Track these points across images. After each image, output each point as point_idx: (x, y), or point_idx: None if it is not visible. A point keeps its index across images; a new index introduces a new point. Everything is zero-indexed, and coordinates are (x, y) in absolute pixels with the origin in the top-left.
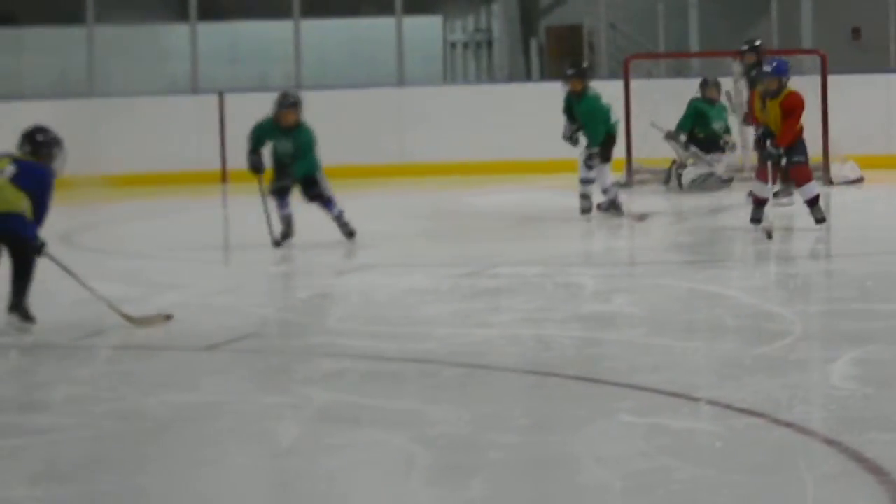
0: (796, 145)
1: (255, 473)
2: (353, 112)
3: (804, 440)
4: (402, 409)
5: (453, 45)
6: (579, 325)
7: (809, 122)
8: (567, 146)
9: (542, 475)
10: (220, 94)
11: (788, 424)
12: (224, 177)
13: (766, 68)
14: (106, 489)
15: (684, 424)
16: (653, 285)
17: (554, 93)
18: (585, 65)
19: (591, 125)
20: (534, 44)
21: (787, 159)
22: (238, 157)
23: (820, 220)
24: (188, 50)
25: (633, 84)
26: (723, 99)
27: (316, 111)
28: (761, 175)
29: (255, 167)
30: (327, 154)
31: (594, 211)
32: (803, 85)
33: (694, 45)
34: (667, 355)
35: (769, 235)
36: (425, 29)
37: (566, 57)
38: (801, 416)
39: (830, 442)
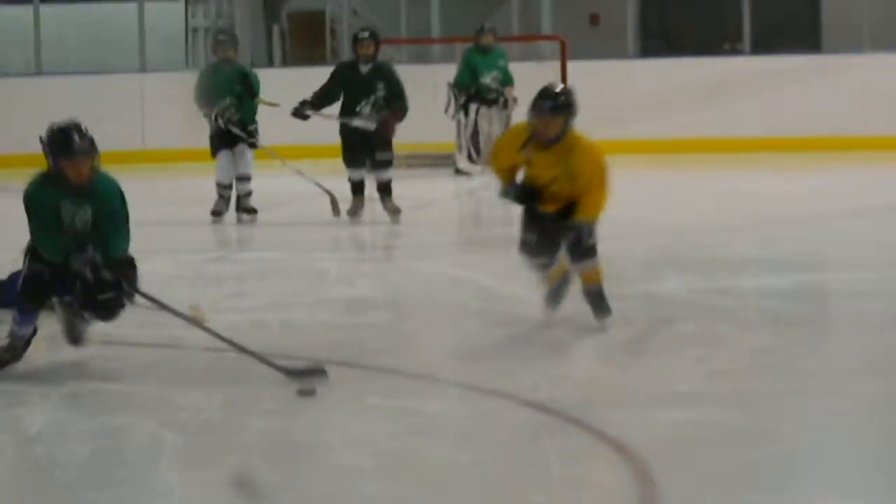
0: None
1: (1, 460)
2: (94, 98)
3: (549, 420)
4: (150, 393)
5: (195, 31)
6: (326, 309)
7: None
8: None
9: (294, 458)
10: None
11: (534, 405)
12: None
13: (546, 103)
14: None
15: (432, 406)
16: (399, 269)
17: (296, 78)
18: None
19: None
20: (276, 29)
21: (581, 242)
22: None
23: (606, 314)
24: None
25: None
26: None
27: (56, 97)
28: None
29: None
30: None
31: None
32: (543, 71)
33: (435, 32)
34: (413, 338)
35: None
36: (167, 14)
37: (308, 43)
38: (547, 396)
39: (575, 421)
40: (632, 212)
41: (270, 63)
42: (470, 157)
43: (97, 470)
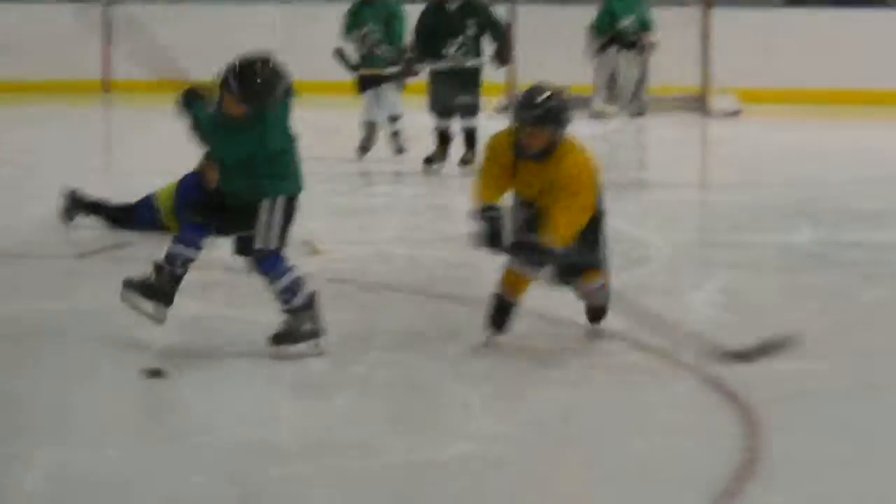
0: (595, 242)
1: (125, 383)
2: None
3: (662, 364)
4: (268, 322)
5: None
6: (451, 246)
7: (689, 54)
8: None
9: (405, 392)
10: None
11: (648, 349)
12: None
13: (528, 113)
14: None
15: (545, 346)
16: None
17: None
18: None
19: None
20: None
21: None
22: None
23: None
24: None
25: None
26: None
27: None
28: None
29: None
30: None
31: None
32: (685, 17)
33: None
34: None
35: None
36: None
37: None
38: (662, 341)
39: (687, 366)
40: (771, 162)
41: None
42: (606, 101)
43: (212, 398)
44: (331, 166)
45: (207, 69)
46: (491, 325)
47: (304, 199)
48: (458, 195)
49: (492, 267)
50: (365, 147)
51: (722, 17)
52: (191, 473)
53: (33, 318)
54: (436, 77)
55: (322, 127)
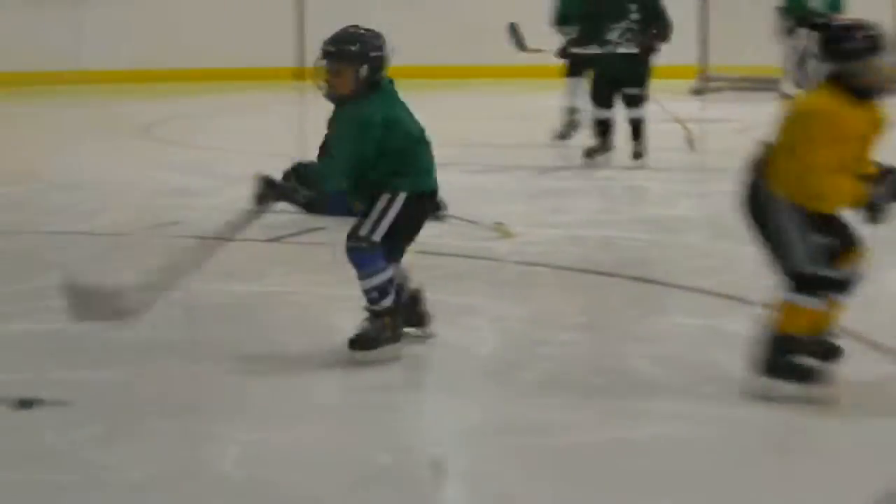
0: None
1: (317, 362)
2: None
3: (861, 347)
4: (464, 304)
5: None
6: (642, 227)
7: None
8: None
9: (593, 370)
10: None
11: (848, 331)
12: None
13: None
14: (159, 372)
15: (738, 326)
16: (718, 191)
17: None
18: None
19: None
20: None
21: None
22: None
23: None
24: None
25: None
26: None
27: None
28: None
29: None
30: None
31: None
32: None
33: None
34: (726, 259)
35: None
36: None
37: None
38: (862, 323)
39: (878, 347)
40: None
41: None
42: (796, 84)
43: (401, 372)
44: (525, 151)
45: None
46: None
47: (497, 182)
48: (651, 178)
49: (679, 246)
50: (564, 134)
51: None
52: (379, 451)
53: (224, 300)
54: (597, 64)
55: (517, 112)
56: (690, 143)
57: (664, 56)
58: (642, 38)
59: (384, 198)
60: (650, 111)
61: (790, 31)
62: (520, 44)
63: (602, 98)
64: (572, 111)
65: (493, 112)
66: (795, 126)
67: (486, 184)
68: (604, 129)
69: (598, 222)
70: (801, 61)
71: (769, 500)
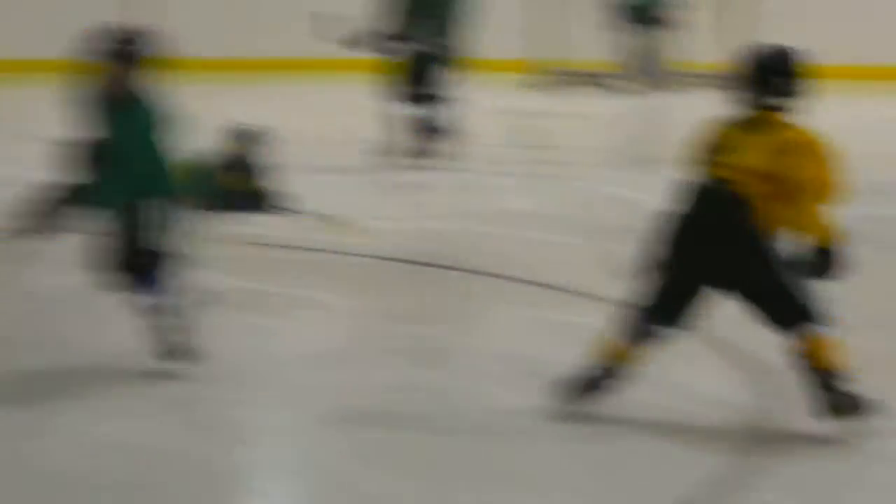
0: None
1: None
2: None
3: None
4: (304, 296)
5: None
6: (479, 221)
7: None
8: None
9: (428, 362)
10: None
11: None
12: None
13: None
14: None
15: (569, 318)
16: (569, 188)
17: None
18: None
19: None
20: None
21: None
22: None
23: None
24: None
25: None
26: None
27: None
28: None
29: None
30: None
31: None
32: None
33: None
34: (561, 252)
35: None
36: None
37: None
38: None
39: (706, 338)
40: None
41: None
42: (624, 76)
43: (241, 367)
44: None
45: None
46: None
47: (340, 177)
48: (489, 173)
49: (517, 240)
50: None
51: None
52: (203, 444)
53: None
54: (407, 62)
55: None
56: (514, 136)
57: (491, 50)
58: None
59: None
60: (478, 106)
61: (622, 26)
62: (326, 34)
63: (413, 96)
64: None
65: (337, 106)
66: (803, 158)
67: (330, 178)
68: (419, 127)
69: (439, 217)
70: (633, 56)
71: (593, 486)
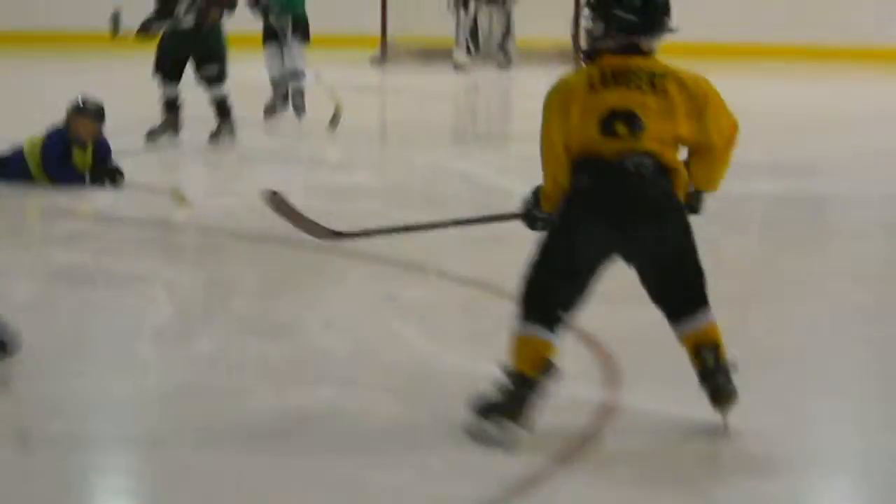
0: None
1: None
2: None
3: None
4: (139, 270)
5: None
6: (321, 195)
7: (560, 5)
8: None
9: (270, 337)
10: None
11: (513, 297)
12: None
13: None
14: None
15: (414, 294)
16: (396, 159)
17: None
18: None
19: None
20: None
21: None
22: None
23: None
24: None
25: None
26: None
27: None
28: None
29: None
30: None
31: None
32: None
33: None
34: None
35: None
36: None
37: None
38: None
39: None
40: None
41: None
42: (468, 52)
43: (80, 341)
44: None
45: None
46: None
47: (174, 150)
48: (330, 146)
49: (358, 214)
50: (272, 108)
51: None
52: (42, 419)
53: None
54: (165, 38)
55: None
56: (335, 118)
57: (345, 25)
58: (202, 11)
59: None
60: (323, 80)
61: (461, 3)
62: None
63: (166, 74)
64: (276, 82)
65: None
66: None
67: (164, 151)
68: (170, 107)
69: (277, 190)
70: (474, 32)
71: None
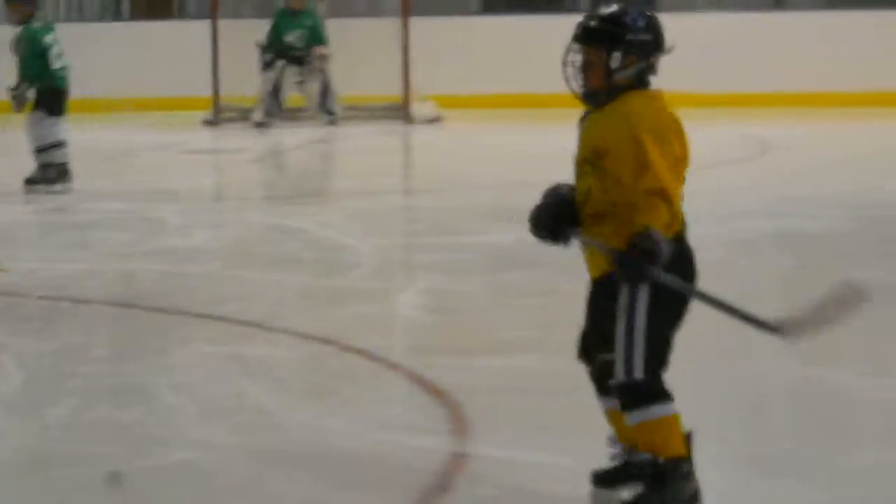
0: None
1: None
2: None
3: (371, 366)
4: None
5: None
6: (162, 259)
7: (390, 63)
8: None
9: (121, 402)
10: None
11: (358, 351)
12: None
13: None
14: None
15: (260, 352)
16: (235, 220)
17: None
18: None
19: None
20: None
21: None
22: None
23: None
24: None
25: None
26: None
27: None
28: None
29: None
30: None
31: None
32: (385, 27)
33: None
34: (246, 287)
35: None
36: None
37: None
38: (370, 343)
39: (395, 367)
40: (472, 165)
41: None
42: (267, 112)
43: None
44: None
45: None
46: None
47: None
48: (169, 210)
49: (198, 275)
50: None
51: (420, 26)
52: None
53: None
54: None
55: None
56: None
57: (177, 87)
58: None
59: None
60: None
61: (269, 64)
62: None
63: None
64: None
65: None
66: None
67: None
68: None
69: (117, 255)
70: (274, 91)
71: None
